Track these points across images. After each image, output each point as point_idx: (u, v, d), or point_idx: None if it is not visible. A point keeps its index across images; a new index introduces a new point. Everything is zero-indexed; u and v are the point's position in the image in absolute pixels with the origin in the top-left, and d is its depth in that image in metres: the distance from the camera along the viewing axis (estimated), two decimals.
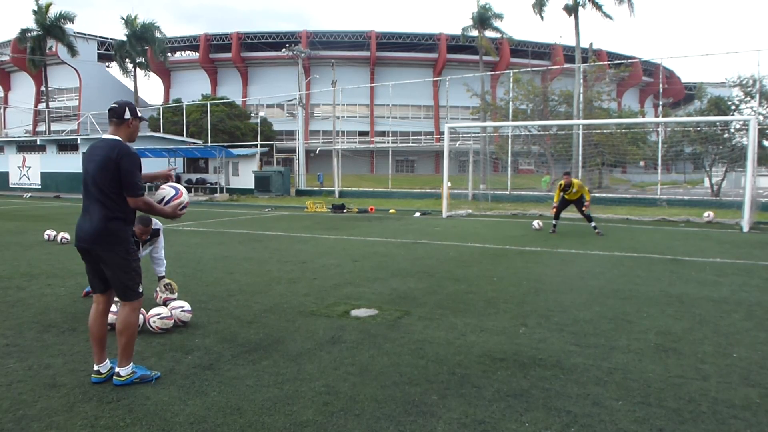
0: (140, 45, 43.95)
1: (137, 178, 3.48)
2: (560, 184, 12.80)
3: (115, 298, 3.97)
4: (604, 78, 32.99)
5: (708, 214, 15.46)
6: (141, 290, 3.68)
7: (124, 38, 43.55)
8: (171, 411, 3.18)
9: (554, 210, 12.97)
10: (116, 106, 3.63)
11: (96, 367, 3.62)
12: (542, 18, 33.79)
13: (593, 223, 12.66)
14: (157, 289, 5.73)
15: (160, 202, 4.00)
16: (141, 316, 4.63)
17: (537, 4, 32.75)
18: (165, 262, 5.97)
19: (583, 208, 12.71)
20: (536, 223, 13.68)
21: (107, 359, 3.67)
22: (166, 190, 4.13)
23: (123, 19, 43.17)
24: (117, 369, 3.56)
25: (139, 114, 3.72)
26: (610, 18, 31.19)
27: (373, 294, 6.19)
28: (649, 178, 39.24)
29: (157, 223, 5.72)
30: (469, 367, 3.91)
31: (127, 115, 3.61)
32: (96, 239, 3.50)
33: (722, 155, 25.22)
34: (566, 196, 12.65)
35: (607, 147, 26.86)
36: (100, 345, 3.63)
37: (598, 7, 30.43)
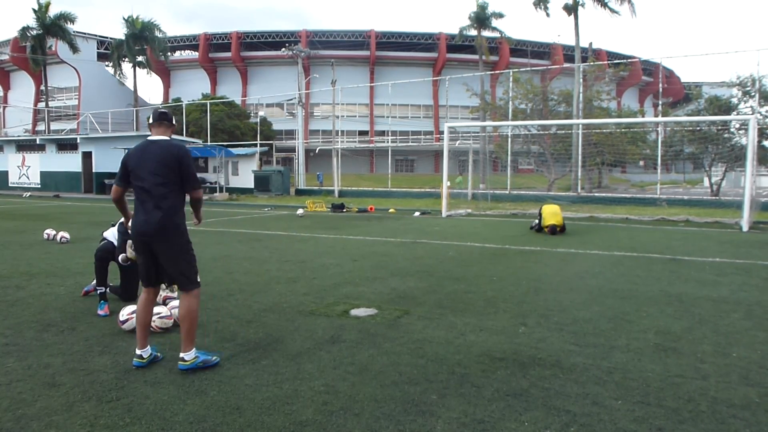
0: (139, 44, 43.91)
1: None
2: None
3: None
4: (603, 77, 32.95)
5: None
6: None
7: (123, 38, 43.52)
8: (170, 410, 3.18)
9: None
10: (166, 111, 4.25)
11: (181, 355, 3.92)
12: (548, 14, 33.87)
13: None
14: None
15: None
16: None
17: (538, 2, 32.72)
18: None
19: (545, 229, 12.27)
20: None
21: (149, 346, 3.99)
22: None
23: (125, 19, 43.18)
24: (182, 354, 3.86)
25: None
26: (617, 14, 31.15)
27: (372, 293, 6.19)
28: (649, 178, 39.20)
29: None
30: (468, 366, 3.91)
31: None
32: None
33: (721, 155, 25.21)
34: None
35: (607, 146, 26.83)
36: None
37: (604, 4, 30.33)
